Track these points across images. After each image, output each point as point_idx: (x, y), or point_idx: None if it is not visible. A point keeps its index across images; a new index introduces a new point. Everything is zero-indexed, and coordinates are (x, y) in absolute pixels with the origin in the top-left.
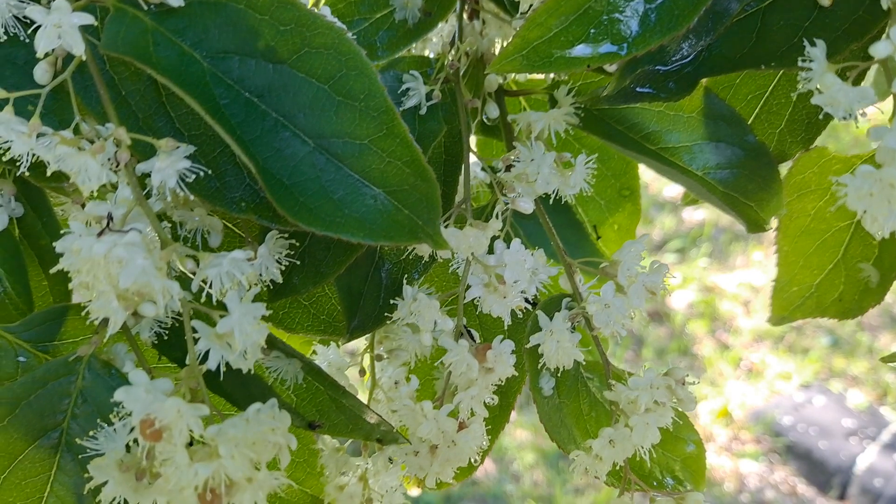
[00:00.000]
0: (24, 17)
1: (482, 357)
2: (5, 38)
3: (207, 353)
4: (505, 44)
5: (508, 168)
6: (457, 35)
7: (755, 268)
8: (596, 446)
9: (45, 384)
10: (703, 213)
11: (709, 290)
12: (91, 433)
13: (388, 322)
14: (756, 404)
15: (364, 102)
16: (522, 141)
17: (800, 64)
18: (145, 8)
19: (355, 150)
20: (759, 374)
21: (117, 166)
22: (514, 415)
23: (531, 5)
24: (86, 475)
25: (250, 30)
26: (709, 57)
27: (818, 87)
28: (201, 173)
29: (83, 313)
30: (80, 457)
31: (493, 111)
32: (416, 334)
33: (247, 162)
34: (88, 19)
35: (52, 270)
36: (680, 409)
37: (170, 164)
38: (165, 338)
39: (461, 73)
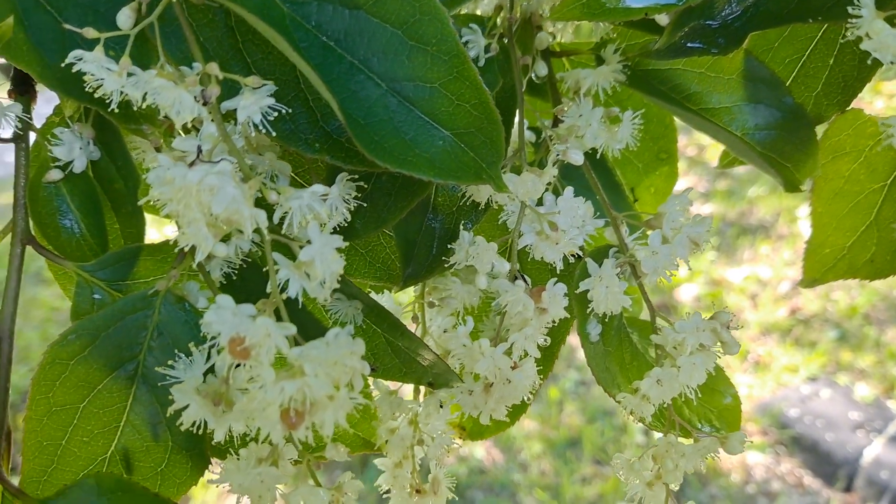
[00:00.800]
0: None
1: (537, 298)
2: None
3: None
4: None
5: (556, 123)
6: None
7: (762, 262)
8: (644, 386)
9: (124, 317)
10: (710, 207)
11: (716, 284)
12: (169, 363)
13: (444, 267)
14: (763, 397)
15: (436, 47)
16: (570, 98)
17: (850, 11)
18: None
19: (425, 94)
20: (766, 367)
21: (205, 103)
22: None
23: None
24: (170, 398)
25: None
26: (756, 13)
27: (867, 33)
28: (283, 110)
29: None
30: (157, 386)
31: (541, 69)
32: (465, 284)
33: (330, 100)
34: None
35: (141, 202)
36: (724, 353)
37: (255, 101)
38: (234, 279)
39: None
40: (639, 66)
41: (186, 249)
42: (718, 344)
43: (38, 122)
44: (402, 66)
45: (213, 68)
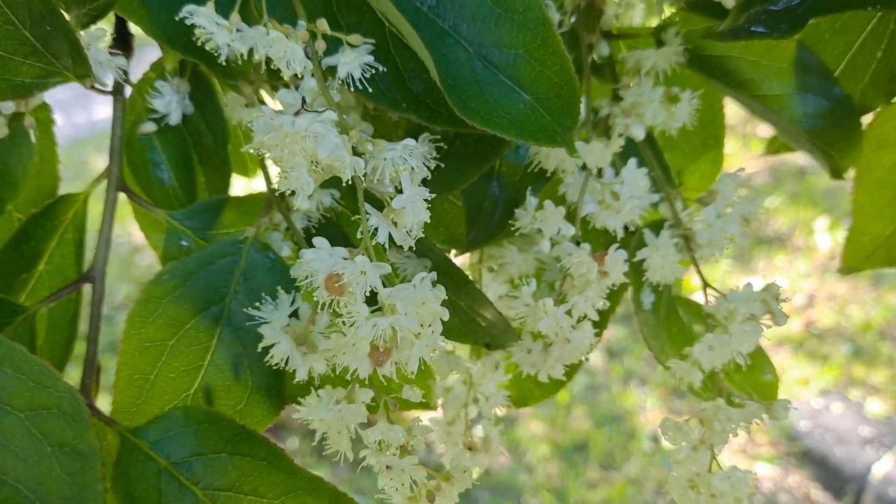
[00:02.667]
0: None
1: (600, 261)
2: None
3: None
4: None
5: (617, 100)
6: None
7: (778, 273)
8: (696, 351)
9: (214, 261)
10: None
11: None
12: (256, 304)
13: (505, 233)
14: None
15: (523, 15)
16: (629, 78)
17: None
18: None
19: (510, 59)
20: (778, 379)
21: (308, 56)
22: (528, 409)
23: None
24: (255, 338)
25: None
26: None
27: None
28: (378, 69)
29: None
30: (241, 328)
31: (604, 49)
32: (521, 252)
33: (426, 59)
34: None
35: (244, 149)
36: (772, 324)
37: (355, 58)
38: (312, 233)
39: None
40: (697, 51)
41: (288, 193)
42: (767, 315)
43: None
44: (489, 33)
45: (323, 24)
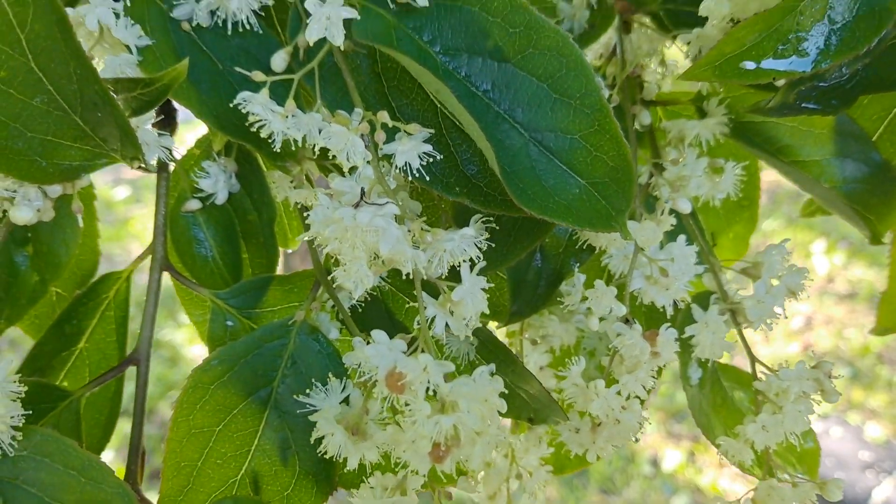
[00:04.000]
0: (260, 9)
1: (652, 341)
2: (242, 29)
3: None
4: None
5: (659, 170)
6: (617, 46)
7: None
8: (749, 431)
9: (262, 345)
10: None
11: None
12: (306, 391)
13: (558, 305)
14: None
15: (580, 100)
16: (675, 147)
17: None
18: (391, 7)
19: (566, 144)
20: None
21: (367, 146)
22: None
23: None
24: (305, 425)
25: (481, 30)
26: (866, 76)
27: None
28: (438, 156)
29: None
30: (288, 412)
31: (645, 118)
32: (563, 323)
33: (486, 149)
34: (353, 13)
35: (301, 238)
36: (824, 401)
37: (413, 146)
38: (358, 311)
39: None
40: (737, 118)
41: (348, 286)
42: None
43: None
44: (545, 117)
45: (384, 116)
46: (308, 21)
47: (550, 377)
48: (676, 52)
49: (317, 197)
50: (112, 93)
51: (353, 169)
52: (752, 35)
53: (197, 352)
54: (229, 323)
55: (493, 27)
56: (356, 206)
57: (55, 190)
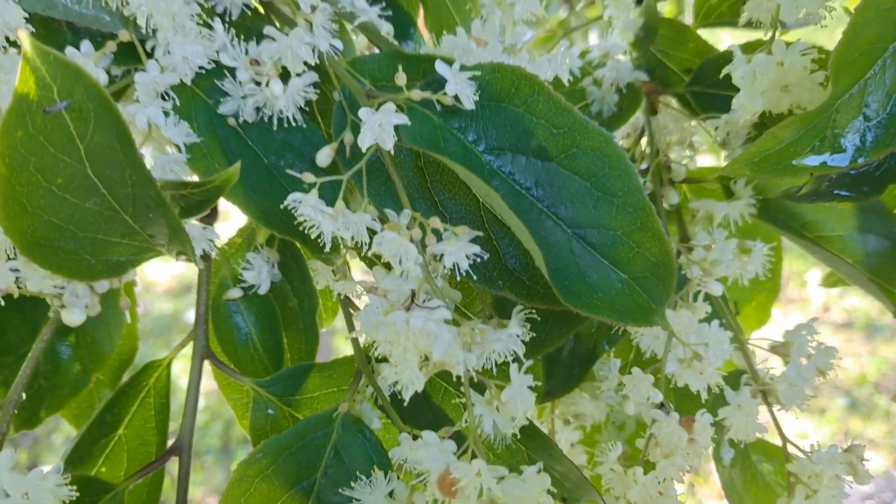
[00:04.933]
0: (305, 105)
1: (689, 428)
2: (286, 124)
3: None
4: (679, 137)
5: (688, 250)
6: (645, 128)
7: (772, 325)
8: None
9: (306, 436)
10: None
11: None
12: (350, 483)
13: (590, 383)
14: None
15: (622, 198)
16: (703, 227)
17: None
18: (438, 108)
19: (608, 240)
20: (774, 433)
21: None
22: None
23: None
24: None
25: (526, 131)
26: (894, 164)
27: None
28: (485, 256)
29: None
30: (334, 501)
31: (673, 198)
32: (593, 400)
33: (534, 251)
34: (404, 119)
35: (351, 335)
36: (856, 483)
37: (461, 247)
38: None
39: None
40: (763, 196)
41: (397, 388)
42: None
43: None
44: (588, 214)
45: (436, 222)
46: (361, 128)
47: (581, 453)
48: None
49: (361, 292)
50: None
51: None
52: (790, 133)
53: None
54: (270, 412)
55: (537, 128)
56: (407, 308)
57: (102, 286)
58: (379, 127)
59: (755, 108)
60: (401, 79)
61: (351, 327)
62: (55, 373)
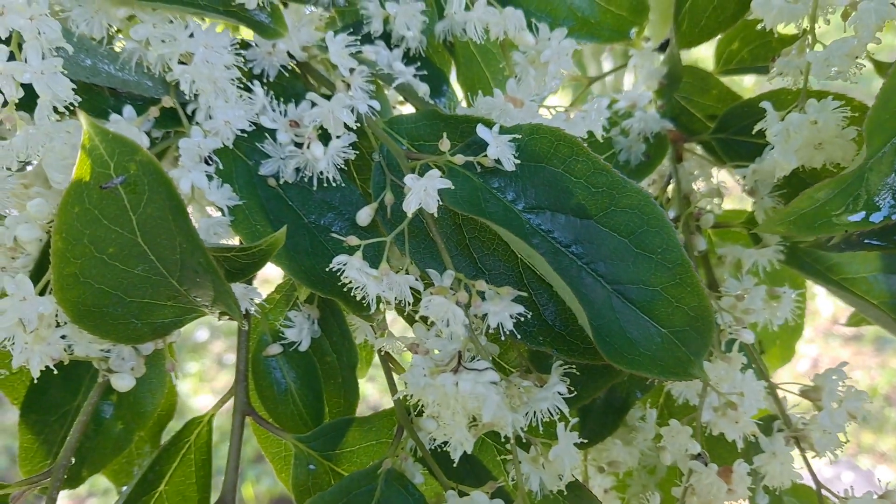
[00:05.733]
0: (343, 165)
1: (727, 479)
2: (326, 184)
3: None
4: (705, 184)
5: (715, 294)
6: (672, 175)
7: None
8: None
9: (350, 493)
10: None
11: None
12: None
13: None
14: None
15: (661, 255)
16: (732, 273)
17: None
18: (478, 170)
19: (647, 296)
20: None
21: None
22: None
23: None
24: None
25: (564, 190)
26: None
27: None
28: (529, 315)
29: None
30: None
31: (701, 244)
32: (626, 446)
33: (578, 312)
34: (448, 184)
35: (397, 397)
36: None
37: (505, 307)
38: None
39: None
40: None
41: (447, 448)
42: None
43: None
44: (626, 271)
45: (482, 285)
46: (406, 193)
47: (614, 499)
48: (725, 175)
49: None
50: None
51: None
52: (825, 193)
53: (202, 402)
54: (311, 467)
55: (576, 187)
56: (454, 370)
57: (147, 347)
58: (424, 192)
59: (790, 165)
60: (445, 145)
61: (391, 383)
62: (97, 432)
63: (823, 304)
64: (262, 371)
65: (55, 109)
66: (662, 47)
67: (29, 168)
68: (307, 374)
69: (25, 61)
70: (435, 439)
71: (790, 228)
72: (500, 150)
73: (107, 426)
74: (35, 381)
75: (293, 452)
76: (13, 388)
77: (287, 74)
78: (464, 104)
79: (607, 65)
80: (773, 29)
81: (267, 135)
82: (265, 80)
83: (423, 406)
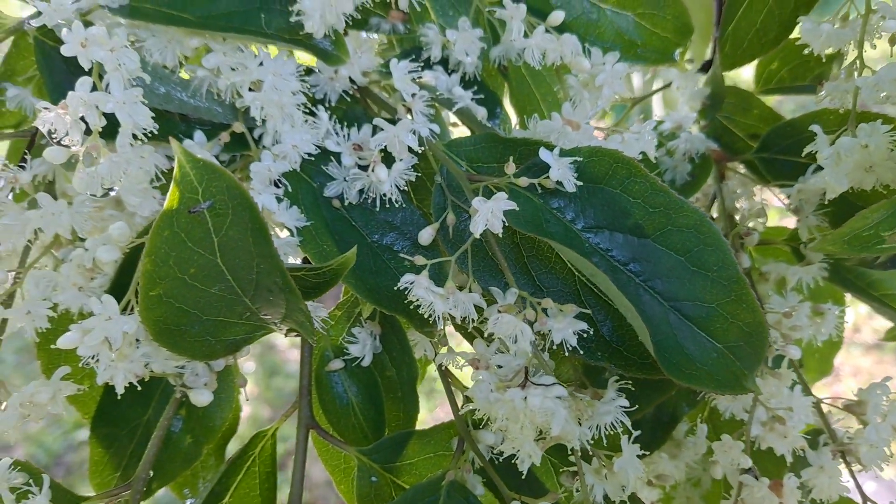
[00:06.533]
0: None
1: (778, 492)
2: (388, 205)
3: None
4: (747, 202)
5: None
6: (716, 194)
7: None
8: None
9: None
10: None
11: None
12: None
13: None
14: None
15: (716, 273)
16: (776, 290)
17: None
18: (538, 191)
19: (703, 312)
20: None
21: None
22: None
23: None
24: None
25: (622, 210)
26: None
27: None
28: (590, 332)
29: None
30: None
31: (745, 262)
32: (672, 460)
33: (640, 330)
34: (513, 205)
35: (464, 409)
36: None
37: (568, 324)
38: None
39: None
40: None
41: (517, 461)
42: None
43: None
44: (682, 288)
45: (549, 303)
46: (473, 216)
47: None
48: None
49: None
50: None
51: None
52: (879, 214)
53: None
54: (373, 479)
55: (633, 207)
56: (522, 386)
57: (219, 364)
58: (491, 214)
59: (841, 187)
60: (510, 168)
61: (451, 396)
62: (167, 445)
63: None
64: (325, 386)
65: (134, 136)
66: (704, 67)
67: (112, 194)
68: (368, 389)
69: (108, 91)
70: (497, 451)
71: (845, 247)
72: (562, 173)
73: (176, 440)
74: (106, 396)
75: (356, 465)
76: (84, 403)
77: (348, 99)
78: (515, 125)
79: (636, 81)
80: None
81: (332, 158)
82: (327, 105)
83: (489, 420)
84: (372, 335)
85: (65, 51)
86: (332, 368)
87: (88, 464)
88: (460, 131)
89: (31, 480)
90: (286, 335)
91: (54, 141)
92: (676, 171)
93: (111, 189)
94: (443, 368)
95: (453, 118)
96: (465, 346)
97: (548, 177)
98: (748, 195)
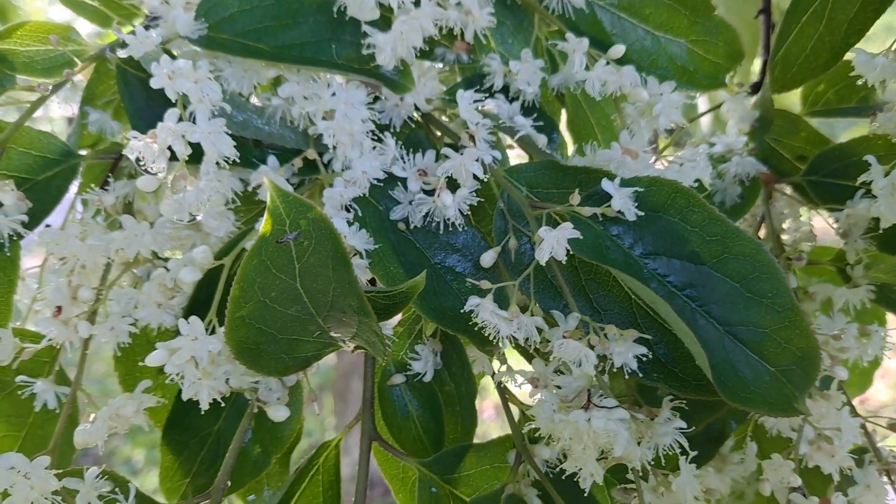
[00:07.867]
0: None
1: None
2: (450, 228)
3: None
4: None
5: None
6: (765, 216)
7: None
8: None
9: None
10: None
11: None
12: None
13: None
14: None
15: (771, 300)
16: (823, 311)
17: None
18: (599, 219)
19: (757, 337)
20: None
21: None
22: None
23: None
24: None
25: (680, 238)
26: None
27: None
28: (650, 355)
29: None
30: None
31: (792, 282)
32: (717, 474)
33: (698, 355)
34: (577, 234)
35: (524, 430)
36: None
37: (629, 347)
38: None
39: None
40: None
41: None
42: None
43: None
44: (737, 313)
45: (612, 329)
46: (538, 243)
47: None
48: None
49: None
50: None
51: None
52: None
53: None
54: (433, 490)
55: (691, 235)
56: (585, 407)
57: (291, 379)
58: (556, 242)
59: (895, 217)
60: (575, 199)
61: (508, 412)
62: (238, 455)
63: None
64: (387, 399)
65: (217, 164)
66: (752, 88)
67: (199, 218)
68: (429, 403)
69: (193, 121)
70: (558, 469)
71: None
72: (623, 202)
73: (246, 450)
74: (178, 405)
75: (416, 476)
76: (156, 412)
77: (412, 124)
78: (571, 150)
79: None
80: None
81: (398, 182)
82: (392, 130)
83: (552, 439)
84: (433, 352)
85: (153, 83)
86: (394, 383)
87: (160, 470)
88: (515, 152)
89: (116, 489)
90: (353, 351)
91: (142, 167)
92: (726, 193)
93: (196, 216)
94: (501, 386)
95: (508, 139)
96: (517, 359)
97: (609, 206)
98: (794, 216)
